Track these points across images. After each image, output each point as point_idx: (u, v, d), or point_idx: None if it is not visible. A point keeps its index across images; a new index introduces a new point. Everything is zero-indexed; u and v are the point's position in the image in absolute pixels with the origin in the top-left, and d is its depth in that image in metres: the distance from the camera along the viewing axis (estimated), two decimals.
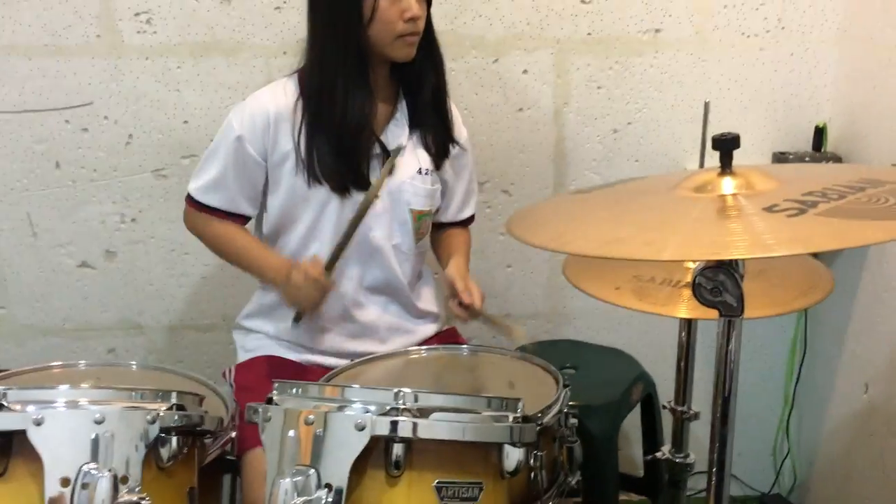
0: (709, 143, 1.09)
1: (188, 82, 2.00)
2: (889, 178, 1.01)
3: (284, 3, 1.96)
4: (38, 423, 0.98)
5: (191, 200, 1.66)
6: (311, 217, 1.63)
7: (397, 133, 1.65)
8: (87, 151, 2.02)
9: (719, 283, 0.96)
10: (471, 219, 1.86)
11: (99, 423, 1.00)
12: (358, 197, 1.60)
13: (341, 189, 1.59)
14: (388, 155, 1.62)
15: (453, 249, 1.78)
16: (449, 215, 1.81)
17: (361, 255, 1.67)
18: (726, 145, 1.04)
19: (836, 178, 1.01)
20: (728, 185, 1.03)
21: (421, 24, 1.57)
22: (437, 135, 1.69)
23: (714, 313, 1.03)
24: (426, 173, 1.67)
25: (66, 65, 1.97)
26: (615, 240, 0.91)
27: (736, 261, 0.96)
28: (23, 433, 0.99)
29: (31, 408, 1.00)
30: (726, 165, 1.04)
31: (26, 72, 1.96)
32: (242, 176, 1.61)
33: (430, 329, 1.78)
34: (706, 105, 1.22)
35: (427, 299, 1.79)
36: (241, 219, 1.67)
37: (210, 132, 2.01)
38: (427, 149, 1.68)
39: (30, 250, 2.08)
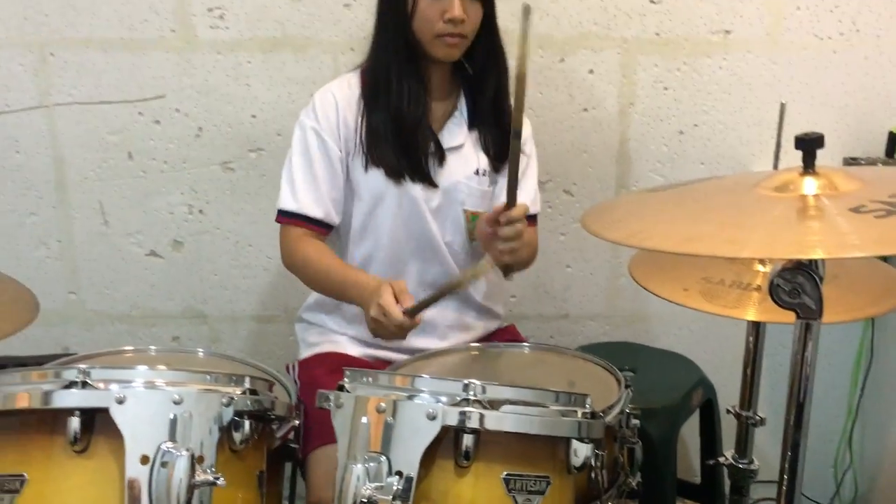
0: (786, 144, 1.07)
1: (257, 77, 2.03)
2: None
3: (353, 0, 1.99)
4: (121, 401, 1.01)
5: (283, 215, 1.63)
6: (367, 207, 1.65)
7: (455, 132, 1.66)
8: (159, 143, 2.07)
9: (798, 284, 0.94)
10: (534, 216, 1.78)
11: (177, 403, 1.03)
12: (414, 190, 1.62)
13: (396, 175, 1.61)
14: (441, 151, 1.63)
15: None
16: None
17: (421, 251, 1.68)
18: (810, 145, 1.03)
19: None
20: (810, 185, 1.01)
21: (467, 28, 1.56)
22: (495, 137, 1.68)
23: (785, 317, 1.02)
24: (483, 174, 1.68)
25: (141, 58, 2.02)
26: (695, 236, 0.91)
27: (815, 262, 0.94)
28: (105, 411, 1.02)
29: (113, 386, 1.04)
30: (809, 165, 1.02)
31: (102, 65, 2.02)
32: (328, 171, 1.61)
33: (490, 325, 1.79)
34: (782, 106, 1.20)
35: (488, 296, 1.79)
36: (327, 228, 1.65)
37: (277, 126, 2.05)
38: (486, 150, 1.68)
39: (101, 238, 2.14)
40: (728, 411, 1.53)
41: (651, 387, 1.84)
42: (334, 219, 1.64)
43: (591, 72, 2.06)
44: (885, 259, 2.03)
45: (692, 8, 2.01)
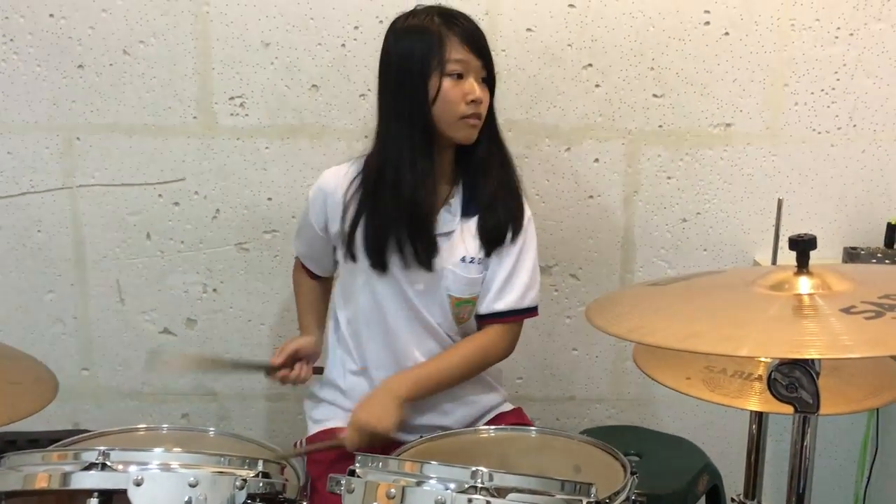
0: (783, 241, 1.12)
1: (274, 162, 2.11)
2: None
3: (369, 90, 2.07)
4: (139, 483, 1.04)
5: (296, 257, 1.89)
6: (351, 285, 1.72)
7: (448, 218, 1.68)
8: (177, 224, 2.14)
9: (795, 379, 0.98)
10: (508, 314, 1.71)
11: (193, 486, 1.06)
12: (396, 273, 1.65)
13: (382, 267, 1.65)
14: (433, 240, 1.65)
15: (449, 350, 1.71)
16: (483, 305, 1.72)
17: (415, 328, 1.70)
18: (804, 246, 1.07)
19: None
20: (804, 284, 1.06)
21: (483, 108, 1.63)
22: (500, 221, 1.68)
23: (785, 408, 1.05)
24: (471, 261, 1.68)
25: (163, 143, 2.10)
26: (693, 334, 0.95)
27: (812, 359, 0.98)
28: (123, 492, 1.05)
29: (132, 468, 1.07)
30: (803, 265, 1.07)
31: (126, 148, 2.10)
32: (307, 238, 1.79)
33: (492, 399, 1.80)
34: (779, 202, 1.25)
35: (487, 373, 1.81)
36: (319, 278, 1.87)
37: (292, 209, 2.11)
38: (480, 236, 1.68)
39: (116, 315, 2.19)
40: (732, 500, 1.54)
41: (656, 472, 1.84)
42: (312, 268, 1.85)
43: (596, 161, 2.13)
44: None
45: (694, 102, 2.09)
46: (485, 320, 1.73)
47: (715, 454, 1.99)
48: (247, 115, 2.09)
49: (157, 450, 1.12)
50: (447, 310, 1.70)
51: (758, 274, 1.11)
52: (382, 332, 1.71)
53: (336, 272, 1.83)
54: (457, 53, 1.59)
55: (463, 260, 1.68)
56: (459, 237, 1.69)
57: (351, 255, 1.68)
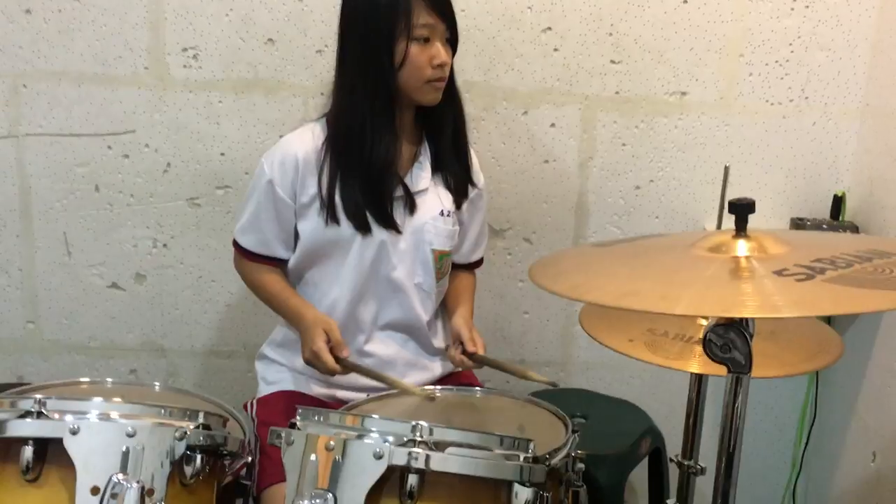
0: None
1: (228, 116, 2.08)
2: None
3: (326, 46, 2.04)
4: (74, 432, 1.04)
5: (234, 243, 1.76)
6: (332, 257, 1.69)
7: (421, 175, 1.71)
8: (127, 177, 2.10)
9: (729, 340, 1.00)
10: (479, 262, 1.91)
11: (130, 436, 1.06)
12: (381, 235, 1.66)
13: (363, 227, 1.65)
14: (411, 196, 1.68)
15: (460, 297, 1.83)
16: (461, 257, 1.86)
17: (383, 293, 1.72)
18: (742, 210, 1.09)
19: (846, 247, 1.06)
20: (742, 247, 1.08)
21: (447, 70, 1.64)
22: (459, 176, 1.75)
23: (723, 370, 1.07)
24: (448, 214, 1.73)
25: (113, 93, 2.06)
26: (631, 292, 0.96)
27: (746, 320, 1.00)
28: (59, 441, 1.04)
29: (68, 417, 1.06)
30: (741, 229, 1.09)
31: (74, 97, 2.06)
32: (274, 218, 1.69)
33: (447, 366, 1.83)
34: (726, 169, 1.27)
35: (442, 337, 1.83)
36: (277, 262, 1.74)
37: (245, 165, 2.09)
38: (449, 190, 1.74)
39: (63, 268, 2.15)
40: (671, 460, 1.57)
41: (601, 434, 1.88)
42: (280, 255, 1.73)
43: (552, 125, 2.13)
44: (828, 321, 2.12)
45: (650, 69, 2.10)
46: (461, 269, 1.86)
47: (660, 417, 2.04)
48: (200, 67, 2.05)
49: (96, 399, 1.11)
50: (430, 266, 1.73)
51: (698, 237, 1.13)
52: (351, 296, 1.71)
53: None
54: (424, 18, 1.58)
55: (441, 214, 1.72)
56: (434, 192, 1.72)
57: (334, 219, 1.66)
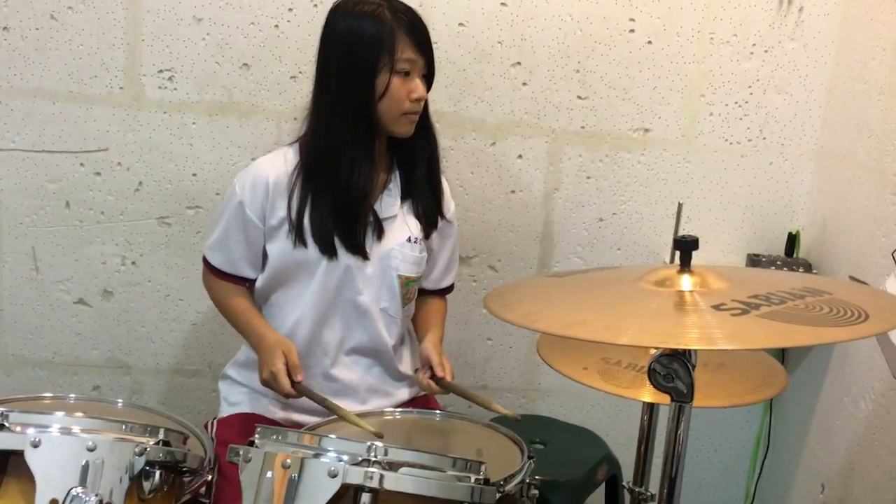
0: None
1: (201, 138, 2.11)
2: (830, 288, 1.12)
3: (300, 72, 2.09)
4: (36, 445, 1.05)
5: (203, 259, 1.78)
6: (298, 279, 1.72)
7: (390, 202, 1.75)
8: (98, 194, 2.12)
9: (673, 370, 1.05)
10: (450, 288, 1.95)
11: (91, 450, 1.08)
12: (347, 260, 1.69)
13: (330, 251, 1.68)
14: (379, 223, 1.72)
15: (430, 321, 1.87)
16: (430, 283, 1.89)
17: (348, 317, 1.75)
18: (686, 246, 1.15)
19: (784, 285, 1.12)
20: (686, 282, 1.13)
21: (422, 105, 1.69)
22: (428, 206, 1.79)
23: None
24: (415, 241, 1.76)
25: (88, 111, 2.08)
26: (578, 322, 1.01)
27: (689, 351, 1.05)
28: (20, 454, 1.06)
29: (30, 430, 1.07)
30: (685, 264, 1.14)
31: (49, 114, 2.07)
32: (243, 239, 1.71)
33: (408, 392, 1.86)
34: (679, 206, 1.33)
35: (408, 363, 1.86)
36: (243, 281, 1.76)
37: (217, 186, 2.12)
38: (417, 218, 1.78)
39: (30, 283, 2.16)
40: (623, 486, 1.61)
41: (558, 460, 1.92)
42: (247, 274, 1.75)
43: (520, 157, 2.19)
44: (782, 355, 2.18)
45: (615, 106, 2.17)
46: (429, 295, 1.90)
47: (618, 445, 2.08)
48: (175, 89, 2.08)
49: (59, 413, 1.13)
50: (396, 291, 1.76)
51: (646, 271, 1.18)
52: (316, 319, 1.73)
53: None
54: (407, 53, 1.63)
55: (408, 240, 1.76)
56: (402, 219, 1.76)
57: (301, 242, 1.68)
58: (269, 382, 1.63)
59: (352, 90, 1.64)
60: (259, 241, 1.72)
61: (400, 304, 1.78)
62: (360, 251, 1.70)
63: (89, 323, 2.19)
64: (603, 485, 2.03)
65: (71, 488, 1.06)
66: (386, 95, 1.63)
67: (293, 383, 1.60)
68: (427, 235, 1.79)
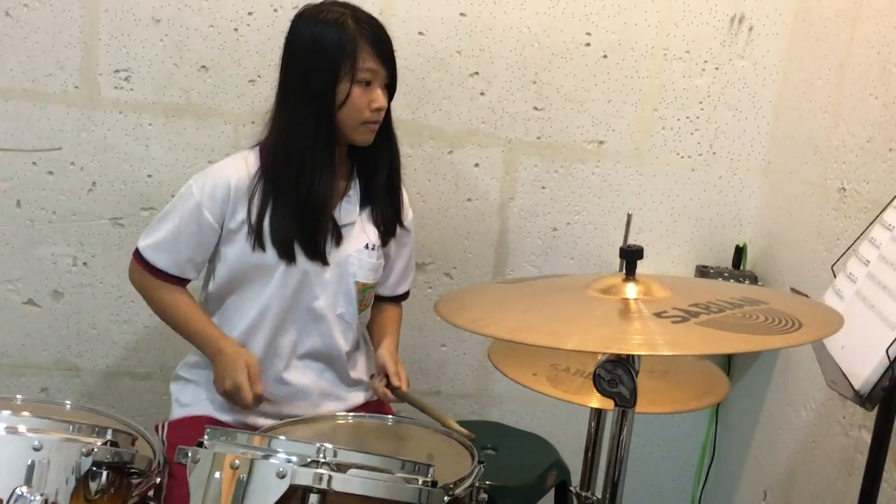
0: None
1: (157, 139, 2.10)
2: (767, 298, 1.16)
3: (259, 76, 2.09)
4: None
5: (138, 257, 1.73)
6: (255, 282, 1.72)
7: (349, 209, 1.76)
8: (50, 194, 2.10)
9: (617, 376, 1.08)
10: (406, 295, 1.97)
11: (37, 450, 1.07)
12: (305, 265, 1.70)
13: (288, 256, 1.69)
14: (338, 229, 1.73)
15: (386, 328, 1.89)
16: (387, 289, 1.91)
17: (303, 322, 1.75)
18: (631, 255, 1.18)
19: (724, 294, 1.16)
20: (631, 290, 1.17)
21: (382, 114, 1.70)
22: (387, 214, 1.80)
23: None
24: (373, 248, 1.78)
25: (42, 110, 2.06)
26: (525, 327, 1.03)
27: (633, 357, 1.08)
28: None
29: None
30: (630, 273, 1.18)
31: (1, 112, 2.05)
32: (196, 242, 1.70)
33: (361, 397, 1.87)
34: (629, 217, 1.36)
35: (361, 368, 1.87)
36: (184, 282, 1.75)
37: (172, 188, 2.10)
38: (376, 226, 1.79)
39: None
40: (570, 491, 1.64)
41: (509, 466, 1.94)
42: (189, 276, 1.75)
43: (476, 165, 2.22)
44: (728, 363, 2.23)
45: (571, 118, 2.21)
46: (385, 301, 1.92)
47: (569, 452, 2.10)
48: (132, 89, 2.07)
49: (5, 412, 1.12)
50: (353, 297, 1.77)
51: (593, 279, 1.21)
52: (272, 324, 1.74)
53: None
54: (369, 63, 1.64)
55: (366, 247, 1.77)
56: (360, 226, 1.77)
57: (260, 246, 1.69)
58: (231, 393, 1.64)
59: (313, 97, 1.65)
60: (211, 245, 1.72)
61: (356, 310, 1.79)
62: (319, 257, 1.71)
63: (38, 324, 2.16)
64: (553, 490, 2.06)
65: (15, 488, 1.05)
66: (346, 104, 1.65)
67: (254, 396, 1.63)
68: (385, 243, 1.81)
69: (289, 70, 1.69)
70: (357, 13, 1.67)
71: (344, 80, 1.63)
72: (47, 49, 2.03)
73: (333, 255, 1.73)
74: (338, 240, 1.74)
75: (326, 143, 1.67)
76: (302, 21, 1.68)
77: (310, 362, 1.79)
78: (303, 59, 1.66)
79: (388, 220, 1.81)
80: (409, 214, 1.88)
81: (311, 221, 1.69)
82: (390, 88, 1.71)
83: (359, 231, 1.77)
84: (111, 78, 2.06)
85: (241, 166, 1.71)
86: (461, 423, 2.13)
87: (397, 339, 1.89)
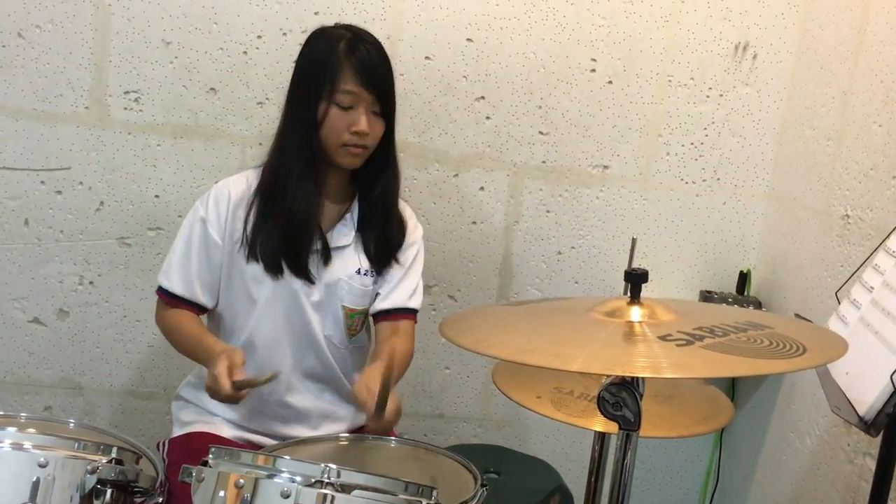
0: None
1: (165, 160, 2.12)
2: (771, 323, 1.16)
3: (267, 99, 2.11)
4: None
5: (159, 290, 1.76)
6: (246, 293, 1.73)
7: (344, 232, 1.76)
8: (58, 213, 2.11)
9: (621, 398, 1.08)
10: (408, 312, 1.82)
11: (42, 466, 1.07)
12: (294, 284, 1.71)
13: (276, 271, 1.70)
14: (328, 250, 1.73)
15: (379, 354, 1.76)
16: (399, 300, 1.80)
17: (299, 342, 1.76)
18: (636, 279, 1.19)
19: (728, 318, 1.16)
20: (636, 313, 1.17)
21: (370, 140, 1.69)
22: (378, 242, 1.77)
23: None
24: (365, 273, 1.77)
25: (51, 130, 2.08)
26: (529, 349, 1.04)
27: (637, 380, 1.09)
28: None
29: None
30: (635, 296, 1.18)
31: (11, 131, 2.07)
32: (204, 259, 1.72)
33: (362, 418, 1.86)
34: (633, 241, 1.37)
35: None
36: (197, 308, 1.75)
37: (179, 209, 2.12)
38: (367, 252, 1.77)
39: None
40: None
41: (511, 490, 1.93)
42: (202, 300, 1.74)
43: (481, 189, 2.23)
44: (732, 388, 2.22)
45: (576, 143, 2.22)
46: (380, 318, 1.80)
47: (572, 476, 2.10)
48: (141, 110, 2.09)
49: (11, 429, 1.13)
50: (340, 321, 1.76)
51: (597, 301, 1.22)
52: (267, 344, 1.74)
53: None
54: (349, 85, 1.65)
55: (358, 272, 1.76)
56: (354, 250, 1.77)
57: (253, 258, 1.70)
58: (212, 387, 1.55)
59: (297, 114, 1.69)
60: (218, 264, 1.73)
61: (345, 334, 1.79)
62: (303, 274, 1.71)
63: (43, 342, 2.17)
64: None
65: None
66: (324, 125, 1.66)
67: (232, 384, 1.51)
68: (378, 271, 1.79)
69: (289, 88, 1.74)
70: (358, 36, 1.68)
71: (324, 100, 1.65)
72: (58, 70, 2.05)
73: (323, 275, 1.74)
74: (326, 260, 1.74)
75: (310, 161, 1.69)
76: (307, 40, 1.73)
77: (309, 383, 1.80)
78: (295, 77, 1.72)
79: (378, 248, 1.78)
80: (415, 232, 1.84)
81: (295, 238, 1.70)
82: (385, 116, 1.71)
83: (352, 255, 1.77)
84: (121, 99, 2.08)
85: (242, 182, 1.75)
86: (463, 446, 2.14)
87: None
